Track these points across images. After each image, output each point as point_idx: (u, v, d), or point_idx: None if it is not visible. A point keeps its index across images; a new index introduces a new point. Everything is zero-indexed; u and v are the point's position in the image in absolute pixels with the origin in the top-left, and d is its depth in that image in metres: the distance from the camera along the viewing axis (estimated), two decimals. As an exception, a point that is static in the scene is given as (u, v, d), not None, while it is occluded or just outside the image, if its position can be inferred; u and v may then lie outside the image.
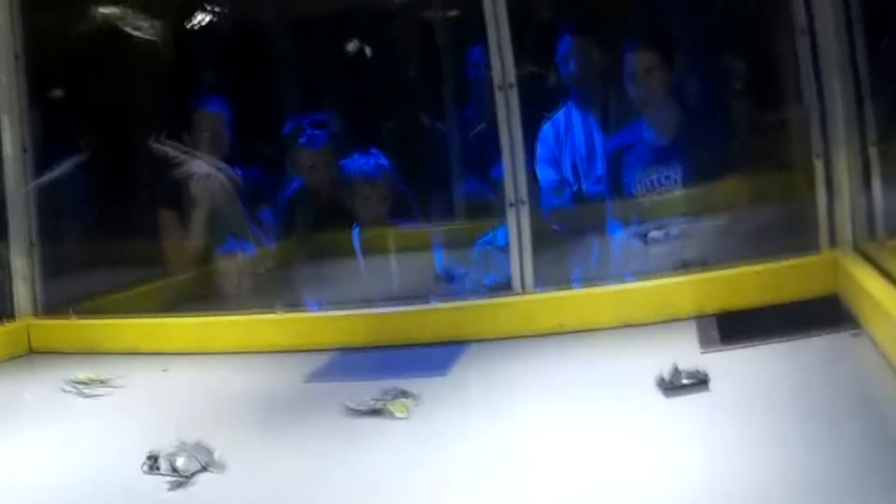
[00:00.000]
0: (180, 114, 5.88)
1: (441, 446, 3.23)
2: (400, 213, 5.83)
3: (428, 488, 2.89)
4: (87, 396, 4.23)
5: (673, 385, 3.39)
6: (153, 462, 3.11)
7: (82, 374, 4.37)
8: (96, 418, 3.99)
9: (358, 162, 5.76)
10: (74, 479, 3.25)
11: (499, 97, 4.58)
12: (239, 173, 5.69)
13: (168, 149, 5.61)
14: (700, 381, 3.39)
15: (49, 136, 5.58)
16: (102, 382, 4.34)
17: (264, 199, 5.96)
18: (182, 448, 3.16)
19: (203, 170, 5.58)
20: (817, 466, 2.66)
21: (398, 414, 3.50)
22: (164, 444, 3.18)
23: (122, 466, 3.29)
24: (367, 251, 5.79)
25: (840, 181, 4.25)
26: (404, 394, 3.63)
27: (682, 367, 3.44)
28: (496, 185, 4.85)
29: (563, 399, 3.57)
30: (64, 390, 4.28)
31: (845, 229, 4.23)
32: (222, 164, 5.65)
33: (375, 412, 3.53)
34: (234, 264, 5.54)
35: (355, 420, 3.50)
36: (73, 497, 3.11)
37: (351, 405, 3.58)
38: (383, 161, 5.73)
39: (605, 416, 3.34)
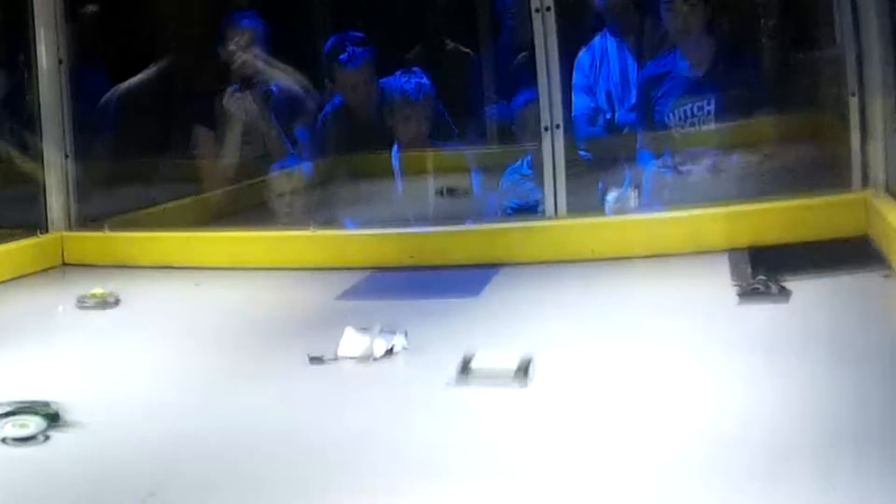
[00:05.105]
0: (214, 29, 5.86)
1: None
2: (439, 134, 5.82)
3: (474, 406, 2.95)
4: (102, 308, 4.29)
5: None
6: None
7: (97, 290, 4.39)
8: (123, 332, 4.05)
9: (399, 81, 5.74)
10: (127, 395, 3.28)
11: (536, 20, 4.59)
12: (274, 90, 5.70)
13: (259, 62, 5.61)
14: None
15: (83, 48, 5.59)
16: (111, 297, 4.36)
17: (301, 116, 5.95)
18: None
19: (283, 84, 5.60)
20: (842, 406, 2.69)
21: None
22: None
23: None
24: (405, 172, 5.80)
25: (874, 121, 4.27)
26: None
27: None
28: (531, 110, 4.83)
29: (596, 322, 3.64)
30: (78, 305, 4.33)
31: (878, 170, 4.25)
32: (301, 78, 5.66)
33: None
34: (285, 182, 5.53)
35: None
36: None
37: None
38: (425, 81, 5.71)
39: (633, 338, 3.39)
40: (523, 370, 3.01)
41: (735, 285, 3.73)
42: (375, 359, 3.29)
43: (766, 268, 3.87)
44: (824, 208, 4.31)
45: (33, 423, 2.82)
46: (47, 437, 2.80)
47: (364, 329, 3.39)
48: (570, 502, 2.26)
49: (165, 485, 2.54)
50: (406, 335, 3.40)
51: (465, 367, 3.05)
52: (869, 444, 2.44)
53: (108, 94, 5.95)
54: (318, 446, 2.72)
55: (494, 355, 3.11)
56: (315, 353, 3.33)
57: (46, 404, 2.93)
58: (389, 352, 3.34)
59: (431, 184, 5.68)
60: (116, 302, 4.35)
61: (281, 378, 3.31)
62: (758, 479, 2.31)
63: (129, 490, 2.51)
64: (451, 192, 5.46)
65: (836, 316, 3.48)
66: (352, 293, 4.33)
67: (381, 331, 3.38)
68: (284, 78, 5.69)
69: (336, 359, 3.31)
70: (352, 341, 3.34)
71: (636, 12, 5.67)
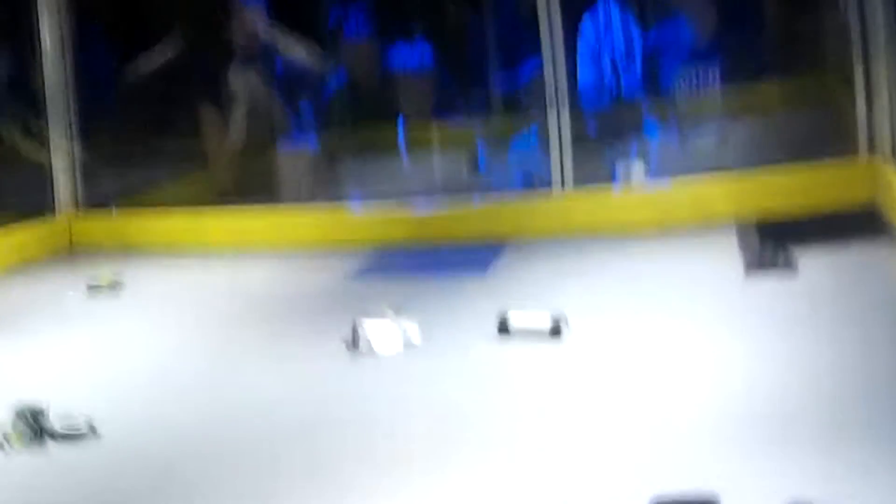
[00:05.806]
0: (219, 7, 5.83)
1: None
2: (443, 107, 5.81)
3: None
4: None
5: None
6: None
7: (104, 277, 4.44)
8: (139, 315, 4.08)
9: (402, 54, 5.74)
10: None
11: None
12: (278, 65, 5.68)
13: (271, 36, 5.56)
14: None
15: (84, 31, 5.57)
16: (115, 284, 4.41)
17: (306, 92, 5.92)
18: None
19: (289, 59, 5.57)
20: (848, 375, 2.73)
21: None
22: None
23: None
24: (410, 146, 5.79)
25: (879, 87, 4.25)
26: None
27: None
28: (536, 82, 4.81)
29: (605, 295, 3.65)
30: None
31: (884, 137, 4.24)
32: (314, 52, 5.64)
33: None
34: (295, 160, 5.51)
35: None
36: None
37: None
38: (428, 54, 5.71)
39: (643, 311, 3.42)
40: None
41: (743, 256, 3.74)
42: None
43: (773, 238, 3.88)
44: (831, 177, 4.31)
45: (83, 419, 2.87)
46: (94, 429, 2.84)
47: (375, 318, 3.42)
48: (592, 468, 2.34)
49: (178, 464, 2.62)
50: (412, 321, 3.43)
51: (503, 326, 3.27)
52: (874, 411, 2.48)
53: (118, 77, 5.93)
54: (331, 425, 2.78)
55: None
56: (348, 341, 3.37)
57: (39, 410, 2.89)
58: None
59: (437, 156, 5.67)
60: (124, 285, 4.38)
61: (301, 361, 3.34)
62: (765, 442, 2.38)
63: (144, 472, 2.59)
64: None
65: (844, 286, 3.49)
66: (362, 273, 4.34)
67: (395, 317, 3.42)
68: (297, 52, 5.66)
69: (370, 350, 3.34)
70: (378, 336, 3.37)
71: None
